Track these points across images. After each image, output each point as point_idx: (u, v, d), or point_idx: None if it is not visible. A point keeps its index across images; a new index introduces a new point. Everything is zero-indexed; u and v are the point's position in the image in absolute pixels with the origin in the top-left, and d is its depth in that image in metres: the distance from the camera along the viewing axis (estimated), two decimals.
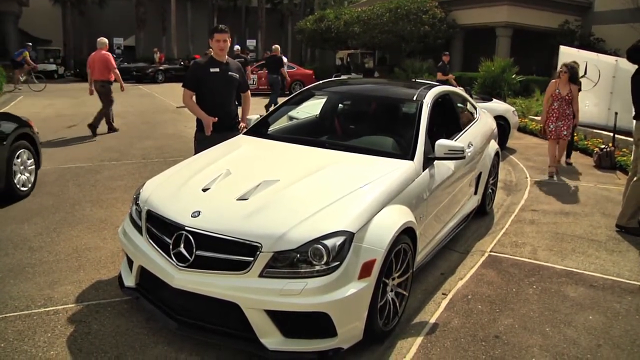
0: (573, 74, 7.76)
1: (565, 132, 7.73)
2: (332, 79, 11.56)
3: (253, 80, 20.49)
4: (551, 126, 7.77)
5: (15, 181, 5.81)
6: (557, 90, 7.67)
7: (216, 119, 4.74)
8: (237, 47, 4.57)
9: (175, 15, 36.47)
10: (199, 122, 4.90)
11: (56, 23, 35.94)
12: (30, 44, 22.39)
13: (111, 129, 10.61)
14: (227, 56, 4.92)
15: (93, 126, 10.18)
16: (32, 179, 6.24)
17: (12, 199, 5.78)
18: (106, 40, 10.55)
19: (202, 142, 4.77)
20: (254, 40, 37.98)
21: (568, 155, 8.78)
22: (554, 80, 7.88)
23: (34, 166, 6.29)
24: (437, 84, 5.39)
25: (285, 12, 42.01)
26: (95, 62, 10.30)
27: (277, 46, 14.53)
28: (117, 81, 10.58)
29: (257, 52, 36.74)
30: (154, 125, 11.70)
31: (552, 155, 7.87)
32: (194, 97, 4.84)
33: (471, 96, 8.61)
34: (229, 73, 4.86)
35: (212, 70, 4.75)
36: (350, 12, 28.06)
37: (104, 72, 10.29)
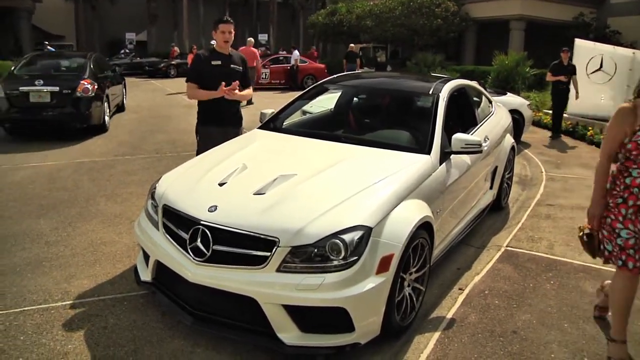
0: None
1: None
2: (346, 72, 11.56)
3: (265, 75, 20.47)
4: (625, 236, 2.83)
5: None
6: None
7: (225, 88, 4.48)
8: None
9: (187, 10, 36.51)
10: (200, 115, 4.77)
11: (69, 19, 36.18)
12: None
13: (250, 102, 13.33)
14: (230, 48, 4.76)
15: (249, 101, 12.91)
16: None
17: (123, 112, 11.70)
18: (252, 40, 14.67)
19: (204, 135, 4.70)
20: (266, 35, 37.93)
21: None
22: (625, 105, 2.85)
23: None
24: (452, 77, 5.32)
25: (296, 6, 41.89)
26: (246, 55, 12.89)
27: (353, 45, 19.41)
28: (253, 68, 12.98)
29: (269, 46, 36.65)
30: (166, 120, 11.74)
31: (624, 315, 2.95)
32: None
33: (485, 90, 8.52)
34: (232, 66, 4.69)
35: (213, 63, 4.61)
36: (362, 5, 27.92)
37: (250, 62, 12.87)
